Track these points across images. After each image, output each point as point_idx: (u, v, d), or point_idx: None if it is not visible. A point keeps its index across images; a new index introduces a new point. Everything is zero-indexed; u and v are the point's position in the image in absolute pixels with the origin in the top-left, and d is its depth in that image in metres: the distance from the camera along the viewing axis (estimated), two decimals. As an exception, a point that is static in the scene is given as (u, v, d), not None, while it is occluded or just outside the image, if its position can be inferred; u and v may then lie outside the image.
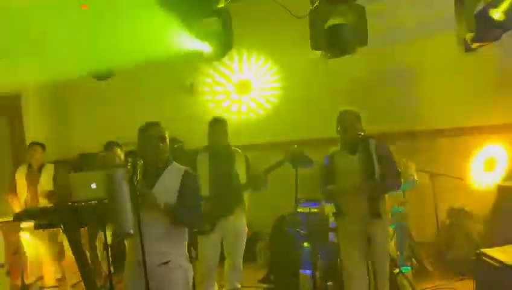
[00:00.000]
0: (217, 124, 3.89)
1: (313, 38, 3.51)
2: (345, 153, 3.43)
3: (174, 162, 2.82)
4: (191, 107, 6.07)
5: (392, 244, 4.32)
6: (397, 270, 4.09)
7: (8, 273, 2.69)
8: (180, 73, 6.00)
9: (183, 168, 2.80)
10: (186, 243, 2.82)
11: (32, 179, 5.17)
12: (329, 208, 4.37)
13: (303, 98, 5.52)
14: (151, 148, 2.69)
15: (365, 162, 3.34)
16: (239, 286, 3.96)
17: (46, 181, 5.16)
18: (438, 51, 4.93)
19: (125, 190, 2.43)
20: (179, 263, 2.70)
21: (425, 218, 4.80)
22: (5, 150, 6.23)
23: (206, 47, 3.85)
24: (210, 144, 3.92)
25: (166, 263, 2.65)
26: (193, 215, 2.75)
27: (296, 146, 3.77)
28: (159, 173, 2.72)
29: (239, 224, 3.89)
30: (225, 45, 3.85)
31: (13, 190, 5.28)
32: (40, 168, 5.22)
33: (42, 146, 5.31)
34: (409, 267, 4.26)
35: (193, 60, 4.50)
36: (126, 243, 2.92)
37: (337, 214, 3.51)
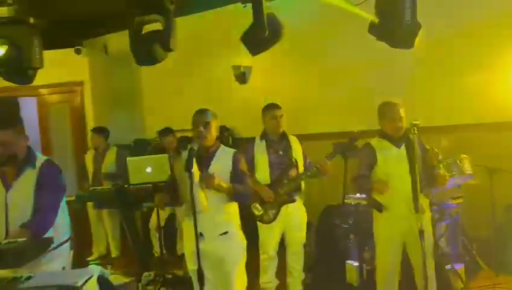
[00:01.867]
0: (273, 110, 3.86)
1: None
2: (389, 145, 3.37)
3: (223, 146, 3.10)
4: (243, 94, 6.13)
5: (443, 240, 4.22)
6: (449, 266, 3.99)
7: (72, 249, 2.89)
8: (233, 60, 6.07)
9: (232, 150, 3.09)
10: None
11: (97, 161, 5.51)
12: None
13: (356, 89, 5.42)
14: (196, 133, 2.96)
15: (412, 157, 3.27)
16: (302, 272, 3.98)
17: (108, 164, 5.49)
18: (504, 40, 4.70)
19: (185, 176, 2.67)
20: (236, 233, 3.04)
21: (481, 214, 4.61)
22: (66, 135, 6.61)
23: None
24: (266, 131, 3.91)
25: (225, 233, 2.96)
26: (246, 191, 3.02)
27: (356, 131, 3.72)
28: (211, 156, 2.98)
29: (300, 211, 3.89)
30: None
31: (83, 172, 5.64)
32: (105, 151, 5.57)
33: (104, 131, 5.65)
34: (462, 264, 4.13)
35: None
36: (182, 218, 3.13)
37: (377, 207, 3.44)
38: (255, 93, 5.91)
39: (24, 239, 2.24)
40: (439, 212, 4.15)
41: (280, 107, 3.90)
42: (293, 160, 3.85)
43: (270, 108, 3.88)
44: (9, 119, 2.66)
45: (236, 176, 2.98)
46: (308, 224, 5.32)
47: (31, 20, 3.10)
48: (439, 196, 4.23)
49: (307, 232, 5.28)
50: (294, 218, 3.86)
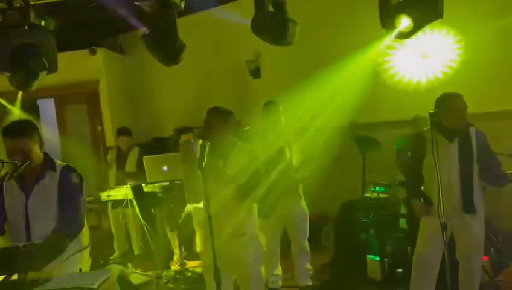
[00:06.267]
0: (270, 107, 3.92)
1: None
2: (441, 137, 3.09)
3: (239, 143, 2.98)
4: (256, 90, 6.08)
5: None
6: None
7: (90, 254, 2.91)
8: (246, 56, 6.02)
9: (247, 147, 2.98)
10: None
11: (121, 160, 5.58)
12: (401, 193, 4.21)
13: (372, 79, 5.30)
14: (211, 131, 2.84)
15: (465, 151, 3.10)
16: (309, 267, 4.00)
17: (131, 163, 5.56)
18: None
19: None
20: (254, 234, 2.92)
21: (506, 205, 4.48)
22: (84, 135, 6.68)
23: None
24: (264, 127, 3.94)
25: (243, 234, 2.85)
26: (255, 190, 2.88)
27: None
28: (226, 154, 2.88)
29: (297, 206, 3.90)
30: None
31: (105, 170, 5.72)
32: (128, 151, 5.64)
33: (129, 131, 5.71)
34: (487, 257, 4.01)
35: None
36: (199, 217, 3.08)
37: (425, 203, 3.27)
38: (269, 88, 5.86)
39: (40, 242, 2.25)
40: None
41: (276, 103, 3.93)
42: (288, 156, 3.83)
43: (268, 105, 3.93)
44: (23, 128, 2.59)
45: (250, 174, 2.85)
46: (328, 219, 5.33)
47: (43, 23, 3.10)
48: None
49: (326, 227, 5.29)
50: (293, 213, 3.88)
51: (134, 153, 5.64)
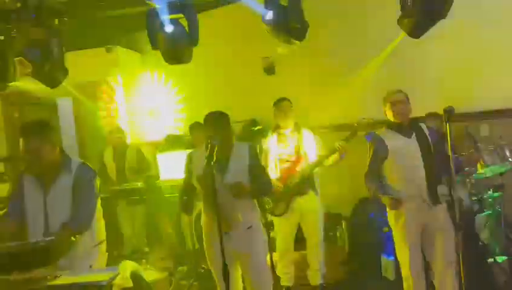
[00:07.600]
0: (281, 104, 3.90)
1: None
2: (399, 135, 3.18)
3: (237, 142, 3.08)
4: (272, 87, 6.04)
5: (486, 232, 4.02)
6: (491, 259, 3.80)
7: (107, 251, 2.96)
8: (261, 53, 5.99)
9: (246, 144, 3.08)
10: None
11: (119, 160, 5.58)
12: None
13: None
14: (213, 137, 2.86)
15: (425, 146, 3.15)
16: (322, 266, 3.98)
17: (130, 160, 5.54)
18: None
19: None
20: (259, 227, 3.07)
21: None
22: (101, 133, 6.75)
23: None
24: (277, 124, 3.95)
25: (250, 227, 2.98)
26: (264, 185, 3.05)
27: (364, 118, 3.66)
28: (228, 155, 2.96)
29: (313, 205, 3.88)
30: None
31: (103, 169, 5.67)
32: (125, 149, 5.62)
33: (123, 130, 5.72)
34: (505, 257, 3.92)
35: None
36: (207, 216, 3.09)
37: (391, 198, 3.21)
38: (284, 85, 5.82)
39: (51, 238, 2.28)
40: (479, 203, 3.96)
41: (288, 100, 3.91)
42: (302, 153, 3.83)
43: (280, 102, 3.92)
44: (34, 128, 2.65)
45: (254, 169, 2.97)
46: (341, 217, 5.28)
47: (57, 22, 3.14)
48: (479, 186, 4.03)
49: (340, 226, 5.24)
50: (308, 211, 3.87)
51: (131, 151, 5.58)
